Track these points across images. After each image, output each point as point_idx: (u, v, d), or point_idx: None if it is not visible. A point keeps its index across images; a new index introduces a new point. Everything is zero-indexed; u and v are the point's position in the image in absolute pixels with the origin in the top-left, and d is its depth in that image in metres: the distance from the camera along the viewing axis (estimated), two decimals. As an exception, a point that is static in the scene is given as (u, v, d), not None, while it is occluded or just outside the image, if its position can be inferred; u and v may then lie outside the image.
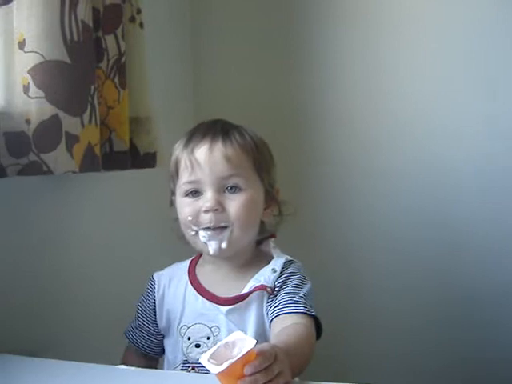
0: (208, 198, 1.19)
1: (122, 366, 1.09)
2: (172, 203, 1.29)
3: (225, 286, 1.25)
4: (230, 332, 1.13)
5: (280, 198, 1.31)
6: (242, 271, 1.26)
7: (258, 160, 1.24)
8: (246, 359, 0.89)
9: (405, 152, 1.88)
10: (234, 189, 1.20)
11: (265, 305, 1.21)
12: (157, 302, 1.30)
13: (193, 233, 1.22)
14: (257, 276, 1.23)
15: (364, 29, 1.91)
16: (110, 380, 1.02)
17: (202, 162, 1.20)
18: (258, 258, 1.29)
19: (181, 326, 1.25)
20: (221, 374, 0.89)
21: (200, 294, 1.25)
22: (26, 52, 1.31)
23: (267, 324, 1.21)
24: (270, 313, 1.20)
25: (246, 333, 1.13)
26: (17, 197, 1.40)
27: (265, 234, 1.31)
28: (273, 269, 1.23)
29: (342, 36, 1.94)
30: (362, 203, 1.93)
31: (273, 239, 1.32)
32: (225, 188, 1.20)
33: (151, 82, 1.60)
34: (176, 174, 1.26)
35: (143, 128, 1.57)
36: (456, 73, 1.82)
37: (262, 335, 1.20)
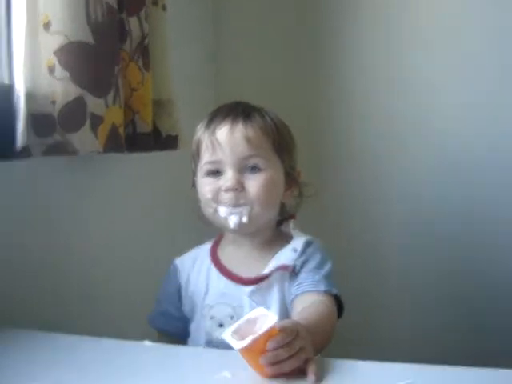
0: (228, 177, 1.20)
1: (147, 342, 1.09)
2: (194, 184, 1.29)
3: (246, 266, 1.26)
4: (256, 304, 1.17)
5: (301, 180, 1.31)
6: (263, 251, 1.27)
7: (279, 141, 1.25)
8: (268, 335, 0.90)
9: (429, 141, 1.88)
10: (254, 169, 1.21)
11: (287, 284, 1.22)
12: (182, 287, 1.31)
13: (212, 210, 1.23)
14: (278, 256, 1.24)
15: (387, 21, 1.91)
16: (137, 355, 1.03)
17: (223, 142, 1.21)
18: (278, 238, 1.30)
19: (204, 306, 1.26)
20: (244, 350, 0.91)
21: (222, 274, 1.27)
22: (51, 33, 1.32)
23: (289, 304, 1.22)
24: (292, 290, 1.21)
25: (271, 310, 1.14)
26: (42, 176, 1.42)
27: (285, 215, 1.32)
28: (293, 248, 1.24)
29: (367, 23, 1.93)
30: (388, 188, 1.93)
31: (293, 220, 1.33)
32: (245, 168, 1.21)
33: (173, 65, 1.61)
34: (197, 155, 1.27)
35: (165, 110, 1.58)
36: (480, 64, 1.81)
37: (284, 314, 1.21)
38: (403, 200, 1.92)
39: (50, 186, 1.44)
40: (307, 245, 1.25)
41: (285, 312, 1.22)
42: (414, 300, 1.90)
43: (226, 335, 0.92)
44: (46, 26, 1.32)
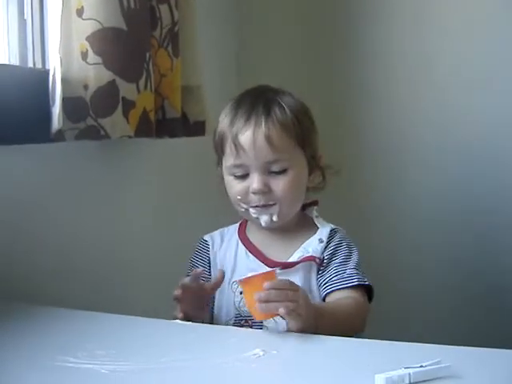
0: (255, 180, 1.23)
1: (178, 321, 1.12)
2: (218, 164, 1.32)
3: (273, 248, 1.29)
4: None
5: (323, 164, 1.33)
6: (289, 235, 1.30)
7: (300, 134, 1.26)
8: (267, 277, 1.05)
9: (449, 127, 1.89)
10: (279, 170, 1.24)
11: (313, 275, 1.26)
12: (211, 261, 1.33)
13: (243, 209, 1.27)
14: (305, 246, 1.27)
15: (409, 20, 1.91)
16: (168, 334, 1.06)
17: (247, 147, 1.23)
18: (303, 222, 1.33)
19: (232, 281, 1.28)
20: (242, 283, 1.07)
21: (251, 253, 1.30)
22: (84, 19, 1.34)
23: (315, 292, 1.25)
24: (321, 288, 1.24)
25: None
26: (74, 160, 1.45)
27: (309, 200, 1.35)
28: (320, 239, 1.28)
29: (391, 15, 1.94)
30: (410, 176, 1.94)
31: (316, 207, 1.35)
32: (270, 169, 1.24)
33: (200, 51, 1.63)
34: (221, 149, 1.29)
35: (193, 96, 1.60)
36: (502, 56, 1.81)
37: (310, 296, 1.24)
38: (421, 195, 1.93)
39: (81, 169, 1.47)
40: (332, 234, 1.28)
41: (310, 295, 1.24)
42: (440, 286, 1.91)
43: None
44: (79, 11, 1.34)
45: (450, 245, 1.89)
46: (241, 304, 1.25)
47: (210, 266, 1.33)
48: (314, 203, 1.36)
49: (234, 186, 1.26)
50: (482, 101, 1.83)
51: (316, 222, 1.32)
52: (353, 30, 1.99)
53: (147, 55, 1.42)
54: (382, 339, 0.96)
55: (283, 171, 1.24)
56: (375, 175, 1.98)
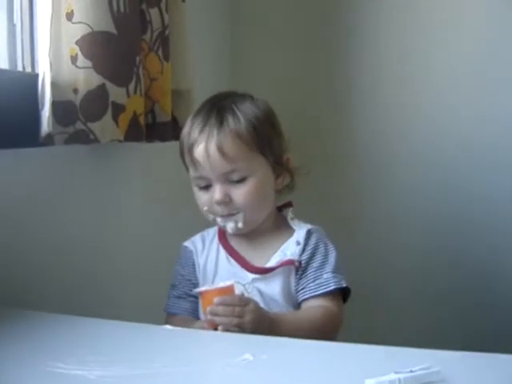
0: (216, 191, 1.24)
1: (168, 326, 1.12)
2: (187, 169, 1.32)
3: (252, 252, 1.31)
4: (260, 292, 1.25)
5: (291, 166, 1.33)
6: (267, 238, 1.31)
7: (258, 141, 1.25)
8: (223, 292, 1.13)
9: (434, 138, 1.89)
10: (239, 179, 1.25)
11: (292, 279, 1.27)
12: (196, 266, 1.34)
13: (211, 218, 1.30)
14: (283, 249, 1.29)
15: (402, 20, 1.92)
16: (158, 339, 1.05)
17: (202, 161, 1.24)
18: (280, 224, 1.34)
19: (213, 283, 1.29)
20: (200, 295, 1.18)
21: (231, 257, 1.31)
22: (73, 23, 1.34)
23: (294, 295, 1.27)
24: (298, 293, 1.26)
25: (274, 297, 1.25)
26: (63, 164, 1.44)
27: (283, 202, 1.37)
28: (297, 241, 1.29)
29: (383, 22, 1.95)
30: (399, 176, 1.95)
31: (291, 209, 1.36)
32: (230, 179, 1.24)
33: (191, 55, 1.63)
34: (183, 159, 1.31)
35: (184, 100, 1.60)
36: (496, 54, 1.82)
37: (288, 303, 1.27)
38: (405, 194, 1.93)
39: (71, 173, 1.47)
40: (309, 235, 1.29)
41: (288, 300, 1.27)
42: (424, 288, 1.92)
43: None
44: (69, 15, 1.34)
45: (438, 247, 1.90)
46: None
47: (195, 272, 1.34)
48: (289, 204, 1.37)
49: (200, 197, 1.28)
50: (478, 101, 1.84)
51: (291, 225, 1.33)
52: (348, 30, 2.00)
53: (137, 59, 1.42)
54: (371, 343, 0.96)
55: (243, 179, 1.24)
56: (363, 175, 1.99)
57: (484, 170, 1.84)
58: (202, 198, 1.27)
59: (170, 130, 1.55)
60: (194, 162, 1.24)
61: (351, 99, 2.00)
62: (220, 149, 1.22)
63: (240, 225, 1.26)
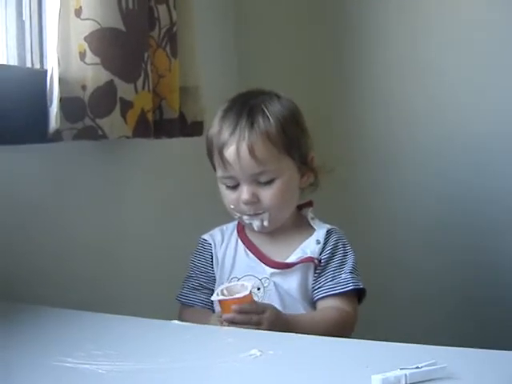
0: (244, 191, 1.26)
1: (176, 321, 1.12)
2: (214, 169, 1.33)
3: (271, 248, 1.32)
4: (276, 286, 1.26)
5: (315, 165, 1.35)
6: (286, 236, 1.33)
7: (286, 142, 1.27)
8: (242, 301, 1.13)
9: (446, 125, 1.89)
10: (267, 181, 1.26)
11: (310, 276, 1.29)
12: (214, 259, 1.35)
13: (237, 217, 1.32)
14: (302, 247, 1.30)
15: (409, 13, 1.91)
16: (165, 334, 1.05)
17: (232, 162, 1.25)
18: (300, 222, 1.36)
19: (231, 278, 1.30)
20: (219, 302, 1.17)
21: (249, 250, 1.33)
22: (82, 19, 1.35)
23: (310, 290, 1.29)
24: (315, 291, 1.28)
25: (290, 292, 1.27)
26: (72, 160, 1.45)
27: (304, 200, 1.38)
28: (317, 240, 1.31)
29: (390, 16, 1.94)
30: (407, 177, 1.94)
31: (311, 209, 1.38)
32: (258, 180, 1.26)
33: (199, 52, 1.63)
34: (211, 158, 1.32)
35: (191, 97, 1.61)
36: (500, 57, 1.82)
37: (304, 299, 1.29)
38: (414, 193, 1.93)
39: (79, 169, 1.48)
40: (329, 234, 1.31)
41: (304, 297, 1.29)
42: (433, 286, 1.91)
43: (220, 288, 1.18)
44: (78, 12, 1.35)
45: (446, 245, 1.89)
46: None
47: (212, 265, 1.35)
48: (309, 204, 1.39)
49: (227, 196, 1.30)
50: (479, 100, 1.83)
51: (312, 224, 1.35)
52: (352, 30, 1.99)
53: (145, 55, 1.43)
54: (378, 340, 0.96)
55: (270, 181, 1.26)
56: (372, 175, 1.98)
57: (493, 168, 1.83)
58: (229, 196, 1.29)
59: (177, 127, 1.56)
60: (224, 162, 1.26)
61: (361, 97, 1.99)
62: (251, 151, 1.23)
63: (266, 223, 1.28)
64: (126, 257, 1.59)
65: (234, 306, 1.13)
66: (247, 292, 1.15)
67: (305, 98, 1.88)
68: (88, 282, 1.47)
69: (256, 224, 1.29)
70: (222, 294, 1.16)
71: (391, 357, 0.90)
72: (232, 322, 1.13)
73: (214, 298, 1.18)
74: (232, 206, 1.29)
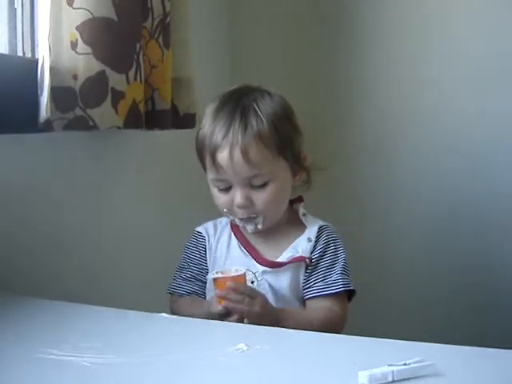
0: (237, 195, 1.25)
1: (164, 314, 1.11)
2: (204, 170, 1.32)
3: (263, 245, 1.32)
4: (268, 283, 1.27)
5: (308, 164, 1.33)
6: (279, 232, 1.32)
7: (279, 143, 1.25)
8: (236, 280, 1.17)
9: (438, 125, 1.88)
10: (260, 184, 1.25)
11: (302, 274, 1.29)
12: (207, 252, 1.35)
13: (230, 219, 1.32)
14: (294, 246, 1.30)
15: (403, 13, 1.91)
16: (153, 327, 1.05)
17: (225, 166, 1.23)
18: (292, 219, 1.35)
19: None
20: (214, 281, 1.20)
21: (242, 246, 1.32)
22: (74, 8, 1.33)
23: (301, 289, 1.29)
24: (305, 291, 1.28)
25: (281, 291, 1.27)
26: (62, 150, 1.44)
27: (294, 196, 1.37)
28: (308, 238, 1.30)
29: (383, 14, 1.93)
30: (401, 175, 1.94)
31: (302, 204, 1.37)
32: (251, 183, 1.24)
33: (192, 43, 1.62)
34: (202, 159, 1.30)
35: (184, 89, 1.60)
36: (497, 56, 1.81)
37: (295, 296, 1.29)
38: (407, 194, 1.93)
39: (70, 159, 1.47)
40: (320, 231, 1.31)
41: (296, 296, 1.29)
42: (424, 287, 1.91)
43: (214, 271, 1.23)
44: (70, 0, 1.33)
45: (438, 246, 1.89)
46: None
47: (206, 257, 1.35)
48: (299, 199, 1.38)
49: (220, 198, 1.28)
50: (475, 100, 1.83)
51: (303, 221, 1.34)
52: (345, 27, 1.98)
53: (137, 46, 1.41)
54: (365, 336, 0.96)
55: (264, 184, 1.25)
56: (366, 175, 1.98)
57: (488, 169, 1.82)
58: (222, 199, 1.28)
59: (169, 118, 1.55)
60: (217, 166, 1.24)
61: (354, 95, 1.98)
62: (245, 155, 1.21)
63: (260, 226, 1.28)
64: (117, 247, 1.58)
65: (229, 283, 1.16)
66: (242, 272, 1.18)
67: (297, 91, 1.88)
68: (80, 273, 1.46)
69: (250, 227, 1.28)
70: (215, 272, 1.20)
71: (379, 353, 0.90)
72: (223, 299, 1.15)
73: (210, 276, 1.21)
74: (225, 210, 1.28)
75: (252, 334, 0.98)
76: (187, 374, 0.84)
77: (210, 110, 1.28)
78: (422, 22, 1.88)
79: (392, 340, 0.94)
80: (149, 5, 1.48)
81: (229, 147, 1.22)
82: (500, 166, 1.80)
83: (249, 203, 1.25)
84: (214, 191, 1.29)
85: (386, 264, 1.94)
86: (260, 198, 1.25)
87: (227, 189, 1.26)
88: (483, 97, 1.81)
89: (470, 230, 1.85)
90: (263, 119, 1.24)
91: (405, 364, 0.80)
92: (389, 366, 0.79)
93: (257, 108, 1.25)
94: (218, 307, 1.17)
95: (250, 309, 1.15)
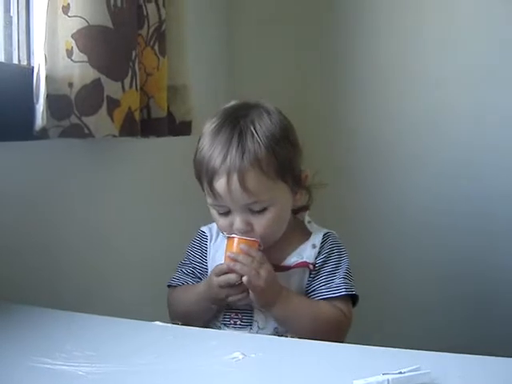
0: (236, 221, 1.23)
1: (158, 323, 1.11)
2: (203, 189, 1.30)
3: (266, 250, 1.28)
4: None
5: (308, 183, 1.31)
6: (283, 239, 1.29)
7: (279, 168, 1.23)
8: (249, 243, 1.20)
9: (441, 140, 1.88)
10: (260, 210, 1.23)
11: (305, 280, 1.28)
12: (208, 253, 1.34)
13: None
14: (299, 251, 1.29)
15: (400, 17, 1.91)
16: (148, 335, 1.05)
17: (223, 194, 1.21)
18: (296, 226, 1.33)
19: None
20: (227, 239, 1.23)
21: None
22: (70, 16, 1.33)
23: (304, 293, 1.28)
24: (309, 294, 1.27)
25: None
26: (58, 158, 1.44)
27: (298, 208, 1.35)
28: (313, 244, 1.30)
29: (382, 18, 1.94)
30: (402, 181, 1.94)
31: (307, 212, 1.36)
32: (250, 208, 1.23)
33: (189, 51, 1.62)
34: (200, 181, 1.27)
35: (180, 96, 1.59)
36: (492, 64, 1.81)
37: None
38: (405, 199, 1.93)
39: (65, 167, 1.46)
40: (325, 239, 1.30)
41: None
42: (424, 293, 1.91)
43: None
44: (65, 9, 1.33)
45: (433, 249, 1.89)
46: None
47: (206, 257, 1.34)
48: (305, 208, 1.36)
49: (219, 221, 1.27)
50: (472, 99, 1.83)
51: (308, 228, 1.33)
52: (343, 32, 1.99)
53: (133, 54, 1.41)
54: (362, 344, 0.96)
55: (264, 210, 1.23)
56: (366, 179, 1.98)
57: (490, 170, 1.82)
58: (221, 222, 1.26)
59: (165, 126, 1.54)
60: (215, 192, 1.22)
61: (352, 99, 1.99)
62: (242, 183, 1.18)
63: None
64: (113, 254, 1.58)
65: (242, 245, 1.19)
66: (257, 239, 1.20)
67: (296, 99, 1.89)
68: (77, 278, 1.46)
69: None
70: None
71: (375, 361, 0.89)
72: (234, 260, 1.19)
73: (225, 235, 1.23)
74: (224, 231, 1.27)
75: (248, 342, 0.98)
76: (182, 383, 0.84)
77: (207, 131, 1.25)
78: (418, 20, 1.88)
79: (388, 348, 0.94)
80: (144, 12, 1.48)
81: (226, 175, 1.19)
82: (500, 168, 1.80)
83: (249, 228, 1.23)
84: (213, 213, 1.28)
85: (385, 272, 1.94)
86: (260, 223, 1.23)
87: (226, 213, 1.24)
88: (481, 97, 1.82)
89: (472, 235, 1.84)
90: (261, 144, 1.20)
91: (400, 373, 0.80)
92: (384, 374, 0.79)
93: (254, 131, 1.21)
94: (223, 266, 1.20)
95: (258, 274, 1.17)
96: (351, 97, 1.99)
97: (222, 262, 1.26)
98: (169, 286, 1.36)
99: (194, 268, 1.35)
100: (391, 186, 1.96)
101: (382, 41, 1.94)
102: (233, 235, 1.22)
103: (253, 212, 1.23)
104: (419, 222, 1.92)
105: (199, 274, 1.34)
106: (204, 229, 1.38)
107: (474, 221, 1.85)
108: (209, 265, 1.33)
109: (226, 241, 1.24)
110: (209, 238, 1.35)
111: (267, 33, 2.07)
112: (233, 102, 1.31)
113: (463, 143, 1.86)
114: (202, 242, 1.36)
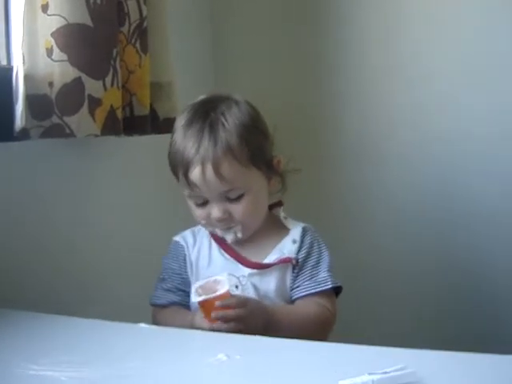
0: (214, 210, 1.24)
1: (143, 324, 1.10)
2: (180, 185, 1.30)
3: (246, 249, 1.31)
4: (254, 286, 1.26)
5: (281, 168, 1.33)
6: (261, 236, 1.31)
7: (250, 154, 1.25)
8: (221, 297, 1.12)
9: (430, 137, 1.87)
10: (236, 197, 1.24)
11: (288, 276, 1.28)
12: (187, 261, 1.33)
13: (209, 230, 1.32)
14: (279, 248, 1.29)
15: (389, 14, 1.89)
16: (133, 337, 1.04)
17: (198, 183, 1.22)
18: (272, 222, 1.34)
19: (209, 277, 1.27)
20: (200, 304, 1.15)
21: (224, 251, 1.31)
22: (49, 15, 1.32)
23: (287, 291, 1.28)
24: (293, 290, 1.28)
25: (267, 294, 1.26)
26: (39, 159, 1.42)
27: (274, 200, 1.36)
28: (293, 240, 1.30)
29: (369, 16, 1.92)
30: (385, 181, 1.93)
31: (282, 208, 1.36)
32: (227, 196, 1.24)
33: (173, 48, 1.60)
34: (175, 173, 1.28)
35: (164, 93, 1.58)
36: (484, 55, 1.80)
37: (282, 298, 1.28)
38: (402, 191, 1.92)
39: (47, 168, 1.45)
40: (304, 232, 1.31)
41: (282, 298, 1.28)
42: (410, 289, 1.91)
43: (194, 287, 1.16)
44: (44, 7, 1.32)
45: (419, 243, 1.89)
46: None
47: (186, 267, 1.33)
48: (279, 203, 1.37)
49: (196, 211, 1.28)
50: (463, 96, 1.81)
51: (285, 224, 1.34)
52: (328, 30, 1.97)
53: (114, 51, 1.40)
54: (352, 342, 0.95)
55: (240, 196, 1.24)
56: (348, 175, 1.97)
57: (475, 166, 1.82)
58: (199, 213, 1.27)
59: (148, 124, 1.53)
60: (190, 183, 1.23)
61: (340, 93, 1.97)
62: (217, 171, 1.20)
63: (239, 235, 1.27)
64: (98, 255, 1.56)
65: (217, 303, 1.13)
66: (226, 288, 1.14)
67: (278, 94, 1.88)
68: (62, 277, 1.45)
69: (229, 237, 1.28)
70: (198, 294, 1.15)
71: (360, 361, 0.89)
72: (223, 320, 1.12)
73: (195, 299, 1.16)
74: (203, 222, 1.28)
75: (232, 343, 0.97)
76: (166, 386, 0.84)
77: (179, 125, 1.27)
78: (409, 19, 1.87)
79: (374, 347, 0.93)
80: (125, 9, 1.46)
81: (201, 164, 1.21)
82: (496, 165, 1.79)
83: (227, 216, 1.24)
84: (190, 204, 1.29)
85: (371, 266, 1.93)
86: (237, 210, 1.24)
87: (204, 203, 1.26)
88: (472, 94, 1.80)
89: (461, 228, 1.84)
90: (232, 133, 1.23)
91: (385, 372, 0.79)
92: (369, 374, 0.79)
93: (225, 121, 1.24)
94: (212, 325, 1.14)
95: (251, 318, 1.14)
96: (339, 95, 1.97)
97: (205, 268, 1.29)
98: (152, 304, 1.34)
99: (174, 282, 1.33)
100: (378, 180, 1.94)
101: (370, 38, 1.92)
102: (202, 298, 1.15)
103: (230, 200, 1.24)
104: (406, 217, 1.91)
105: (182, 286, 1.32)
106: (177, 238, 1.37)
107: (458, 218, 1.84)
108: (192, 274, 1.32)
109: (199, 307, 1.18)
110: (185, 246, 1.34)
111: (252, 28, 2.05)
112: (201, 97, 1.32)
113: (449, 136, 1.84)
114: (178, 253, 1.35)
